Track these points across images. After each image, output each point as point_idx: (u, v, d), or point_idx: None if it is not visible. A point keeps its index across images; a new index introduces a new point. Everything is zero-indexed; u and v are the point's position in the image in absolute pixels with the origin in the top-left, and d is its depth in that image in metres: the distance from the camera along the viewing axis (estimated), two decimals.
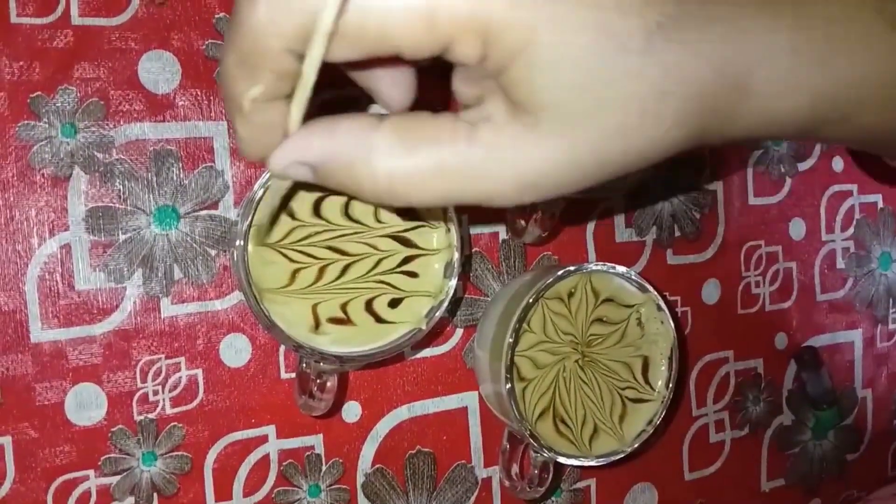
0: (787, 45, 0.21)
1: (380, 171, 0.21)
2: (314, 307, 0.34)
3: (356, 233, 0.35)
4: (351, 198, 0.34)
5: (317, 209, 0.34)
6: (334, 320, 0.35)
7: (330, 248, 0.35)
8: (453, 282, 0.36)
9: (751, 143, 0.52)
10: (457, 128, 0.21)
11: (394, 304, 0.36)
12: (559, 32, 0.18)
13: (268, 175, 0.33)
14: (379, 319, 0.35)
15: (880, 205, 0.57)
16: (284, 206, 0.34)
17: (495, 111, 0.21)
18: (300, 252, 0.34)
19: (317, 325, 0.34)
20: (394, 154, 0.20)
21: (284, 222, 0.34)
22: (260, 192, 0.33)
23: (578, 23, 0.19)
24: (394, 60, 0.20)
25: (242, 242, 0.33)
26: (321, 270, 0.35)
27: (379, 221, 0.35)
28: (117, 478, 0.37)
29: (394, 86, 0.24)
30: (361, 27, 0.19)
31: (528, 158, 0.20)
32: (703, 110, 0.20)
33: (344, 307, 0.35)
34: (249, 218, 0.33)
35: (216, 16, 0.39)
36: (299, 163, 0.21)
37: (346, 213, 0.35)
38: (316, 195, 0.34)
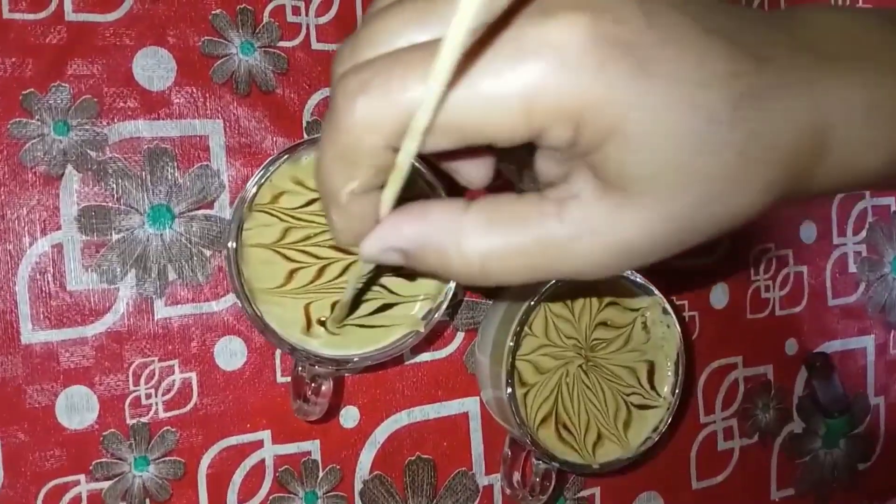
0: (865, 102, 0.21)
1: (470, 253, 0.21)
2: (306, 307, 0.33)
3: None
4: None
5: (311, 209, 0.34)
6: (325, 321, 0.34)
7: (334, 247, 0.34)
8: (452, 283, 0.35)
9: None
10: (544, 207, 0.21)
11: (390, 306, 0.35)
12: (650, 110, 0.19)
13: (260, 173, 0.32)
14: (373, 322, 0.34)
15: (893, 208, 0.56)
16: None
17: (583, 189, 0.21)
18: (301, 252, 0.34)
19: (308, 325, 0.33)
20: (483, 236, 0.21)
21: (278, 224, 0.33)
22: (253, 191, 0.32)
23: (668, 99, 0.19)
24: (481, 148, 0.20)
25: (234, 243, 0.32)
26: (321, 270, 0.34)
27: None
28: (109, 483, 0.36)
29: (475, 167, 0.24)
30: (458, 121, 0.19)
31: (619, 233, 0.20)
32: (787, 173, 0.21)
33: (335, 307, 0.34)
34: (240, 217, 0.32)
35: (213, 12, 0.38)
36: (391, 249, 0.22)
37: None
38: (309, 196, 0.33)
